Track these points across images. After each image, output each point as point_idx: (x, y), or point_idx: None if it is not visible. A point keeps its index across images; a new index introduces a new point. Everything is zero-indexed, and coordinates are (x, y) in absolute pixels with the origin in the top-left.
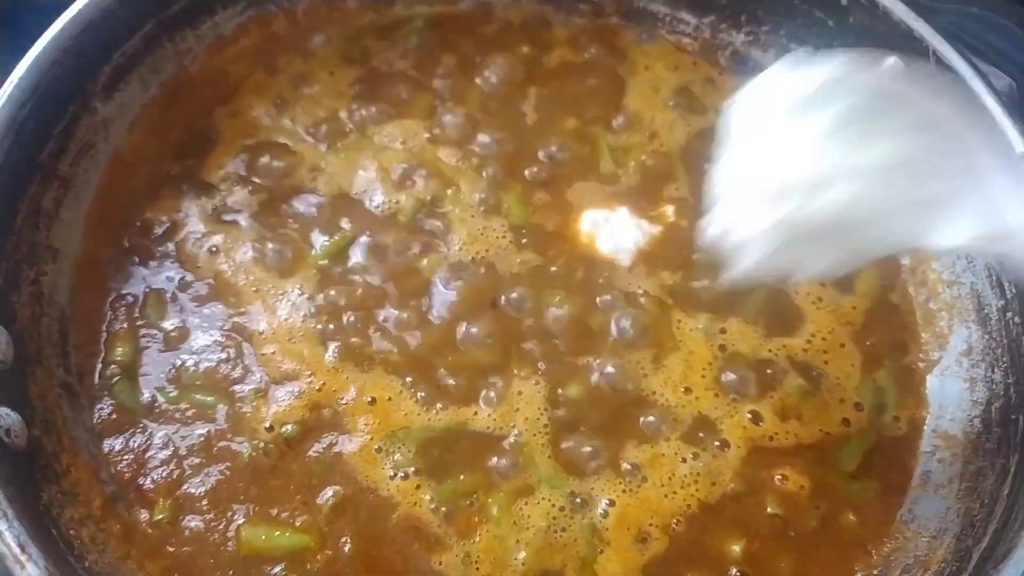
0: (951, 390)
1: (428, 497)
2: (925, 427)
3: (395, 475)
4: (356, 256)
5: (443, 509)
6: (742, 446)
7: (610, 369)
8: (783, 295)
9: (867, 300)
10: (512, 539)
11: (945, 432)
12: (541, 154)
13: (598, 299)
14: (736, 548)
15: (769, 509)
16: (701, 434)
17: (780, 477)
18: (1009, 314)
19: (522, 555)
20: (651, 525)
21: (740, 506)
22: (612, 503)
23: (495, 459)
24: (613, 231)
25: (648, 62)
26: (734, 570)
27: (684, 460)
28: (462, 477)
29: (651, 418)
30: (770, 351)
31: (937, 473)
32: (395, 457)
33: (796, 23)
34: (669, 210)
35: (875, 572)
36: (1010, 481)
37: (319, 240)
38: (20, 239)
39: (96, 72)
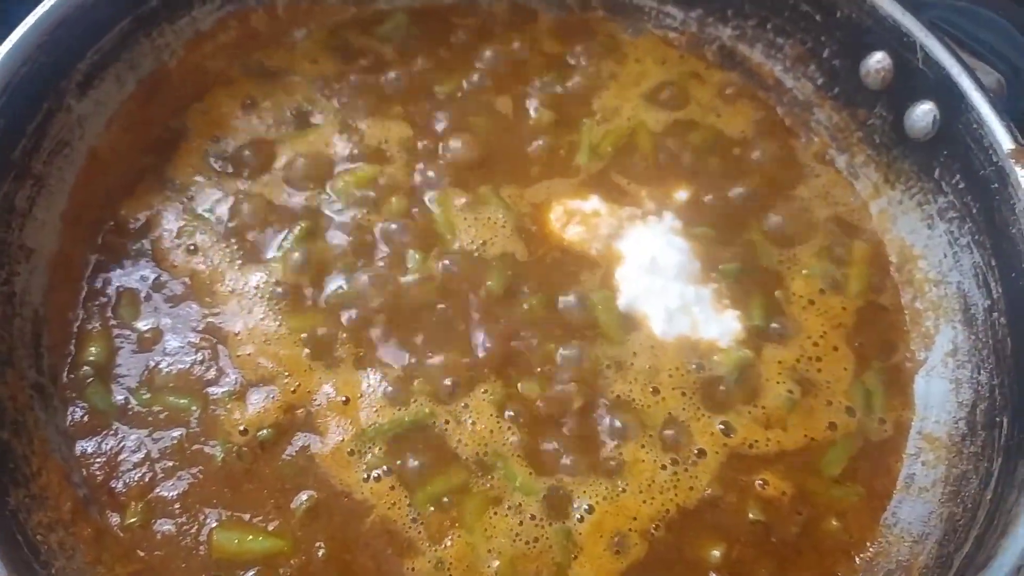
0: (936, 391)
1: (403, 498)
2: (911, 429)
3: (368, 477)
4: (333, 251)
5: (417, 512)
6: (720, 452)
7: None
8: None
9: (858, 300)
10: (484, 547)
11: (930, 434)
12: (521, 148)
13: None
14: (716, 554)
15: (750, 515)
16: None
17: (761, 483)
18: (995, 314)
19: (495, 563)
20: (630, 530)
21: (720, 511)
22: (591, 509)
23: (467, 460)
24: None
25: (638, 55)
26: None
27: (664, 467)
28: (435, 475)
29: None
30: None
31: (921, 476)
32: (367, 458)
33: (783, 17)
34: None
35: None
36: (993, 486)
37: (296, 237)
38: None
39: (71, 69)
